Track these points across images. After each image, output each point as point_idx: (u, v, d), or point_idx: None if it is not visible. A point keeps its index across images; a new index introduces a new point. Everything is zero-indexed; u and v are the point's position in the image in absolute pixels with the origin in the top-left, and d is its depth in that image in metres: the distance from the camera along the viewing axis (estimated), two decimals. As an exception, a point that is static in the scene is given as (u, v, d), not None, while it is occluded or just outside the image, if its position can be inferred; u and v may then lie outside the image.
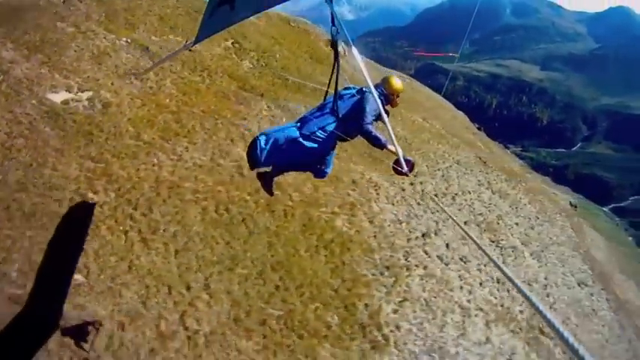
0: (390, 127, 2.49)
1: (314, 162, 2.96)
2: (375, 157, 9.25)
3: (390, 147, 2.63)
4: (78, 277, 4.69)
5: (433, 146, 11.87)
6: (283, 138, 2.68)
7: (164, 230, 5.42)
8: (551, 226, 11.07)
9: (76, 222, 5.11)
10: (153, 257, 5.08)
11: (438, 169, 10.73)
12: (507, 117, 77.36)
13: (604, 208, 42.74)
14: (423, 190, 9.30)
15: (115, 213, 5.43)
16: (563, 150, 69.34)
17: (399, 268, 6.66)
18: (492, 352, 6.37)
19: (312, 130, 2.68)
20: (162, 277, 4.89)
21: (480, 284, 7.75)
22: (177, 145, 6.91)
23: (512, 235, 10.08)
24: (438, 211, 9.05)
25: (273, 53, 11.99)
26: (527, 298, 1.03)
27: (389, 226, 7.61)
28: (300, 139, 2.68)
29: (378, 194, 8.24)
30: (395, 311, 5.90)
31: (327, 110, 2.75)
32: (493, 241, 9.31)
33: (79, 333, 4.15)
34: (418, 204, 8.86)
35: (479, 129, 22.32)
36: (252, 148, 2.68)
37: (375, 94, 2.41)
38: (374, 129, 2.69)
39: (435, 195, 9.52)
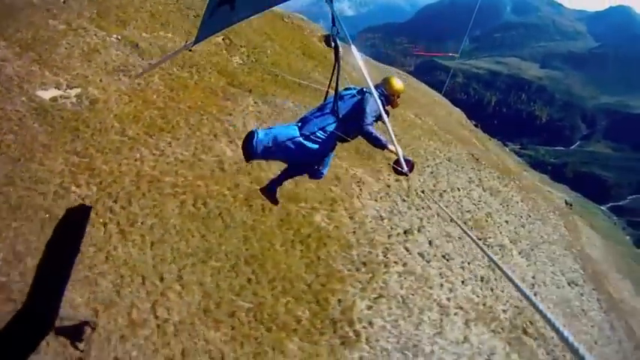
0: (390, 128, 2.49)
1: (313, 162, 2.96)
2: (360, 153, 9.24)
3: (391, 147, 2.65)
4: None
5: (424, 143, 11.74)
6: (283, 136, 2.68)
7: (142, 223, 5.60)
8: (543, 224, 10.88)
9: (74, 222, 5.27)
10: (129, 248, 5.27)
11: (428, 166, 10.63)
12: (506, 114, 77.44)
13: (602, 207, 43.01)
14: (409, 187, 9.25)
15: (96, 206, 5.63)
16: (562, 148, 69.45)
17: (376, 264, 6.69)
18: (470, 351, 6.32)
19: (313, 131, 2.69)
20: (137, 267, 5.08)
21: (462, 282, 7.71)
22: (160, 141, 7.07)
23: (500, 233, 9.96)
24: (423, 207, 9.02)
25: (264, 49, 12.01)
26: (527, 297, 1.02)
27: (370, 222, 7.63)
28: (300, 139, 2.68)
29: (361, 190, 8.25)
30: (369, 307, 5.94)
31: (328, 110, 2.76)
32: (480, 239, 9.22)
33: (75, 333, 4.26)
34: (403, 200, 8.84)
35: (476, 126, 21.92)
36: (248, 140, 2.67)
37: (376, 94, 2.41)
38: (374, 130, 2.71)
39: (422, 192, 9.46)
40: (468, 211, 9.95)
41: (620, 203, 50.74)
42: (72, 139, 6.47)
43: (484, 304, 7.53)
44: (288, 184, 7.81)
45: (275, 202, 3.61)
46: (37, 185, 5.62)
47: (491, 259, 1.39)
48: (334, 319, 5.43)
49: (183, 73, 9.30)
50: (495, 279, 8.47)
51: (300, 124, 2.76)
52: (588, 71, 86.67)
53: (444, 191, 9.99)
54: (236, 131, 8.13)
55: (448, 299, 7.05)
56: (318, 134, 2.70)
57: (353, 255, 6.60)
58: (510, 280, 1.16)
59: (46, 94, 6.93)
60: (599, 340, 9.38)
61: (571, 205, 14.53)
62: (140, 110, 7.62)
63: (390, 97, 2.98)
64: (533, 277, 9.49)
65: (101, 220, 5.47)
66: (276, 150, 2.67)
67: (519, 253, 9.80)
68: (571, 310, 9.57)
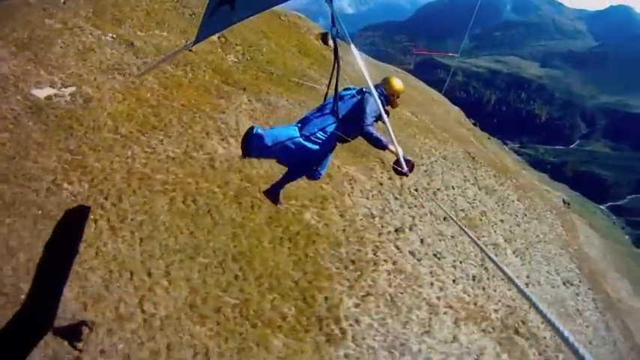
0: (390, 128, 2.49)
1: (312, 163, 2.96)
2: (353, 151, 9.24)
3: (392, 147, 2.65)
4: (49, 261, 5.04)
5: (419, 141, 11.68)
6: (283, 136, 2.69)
7: (132, 219, 5.69)
8: (539, 223, 10.78)
9: (65, 219, 5.34)
10: (119, 244, 5.36)
11: (422, 164, 10.59)
12: (506, 113, 78.00)
13: (601, 206, 43.39)
14: (402, 185, 9.23)
15: (87, 202, 5.74)
16: (562, 147, 69.94)
17: (365, 262, 6.72)
18: (459, 351, 6.29)
19: (313, 131, 2.70)
20: (126, 263, 5.18)
21: (454, 281, 7.71)
22: (152, 138, 7.15)
23: (495, 231, 9.91)
24: (416, 206, 9.01)
25: (259, 47, 12.02)
26: (526, 297, 1.02)
27: (360, 220, 7.65)
28: (300, 140, 2.69)
29: (352, 188, 8.27)
30: (356, 305, 5.97)
31: (327, 111, 2.77)
32: (474, 238, 9.18)
33: (73, 333, 4.32)
34: (396, 199, 8.83)
35: (474, 124, 21.72)
36: (247, 136, 2.69)
37: (375, 94, 2.40)
38: (375, 130, 2.71)
39: (416, 190, 9.44)
40: (462, 210, 9.91)
41: (619, 203, 51.00)
42: (65, 137, 6.58)
43: (475, 304, 7.51)
44: (279, 181, 7.78)
45: (278, 203, 3.67)
46: (31, 182, 5.74)
47: (489, 258, 1.39)
48: (320, 316, 5.48)
49: (178, 72, 9.36)
50: (488, 278, 8.45)
51: (300, 125, 2.77)
52: (588, 70, 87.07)
53: (438, 189, 9.95)
54: (228, 129, 8.19)
55: (438, 298, 7.04)
56: (318, 135, 2.70)
57: (342, 253, 6.63)
58: (510, 278, 1.17)
59: (41, 93, 7.05)
60: (594, 341, 9.32)
61: (569, 204, 14.36)
62: (133, 108, 7.71)
63: (389, 97, 2.97)
64: (528, 277, 9.44)
65: (92, 217, 5.58)
66: (275, 149, 2.67)
67: (513, 252, 9.75)
68: (565, 309, 9.51)
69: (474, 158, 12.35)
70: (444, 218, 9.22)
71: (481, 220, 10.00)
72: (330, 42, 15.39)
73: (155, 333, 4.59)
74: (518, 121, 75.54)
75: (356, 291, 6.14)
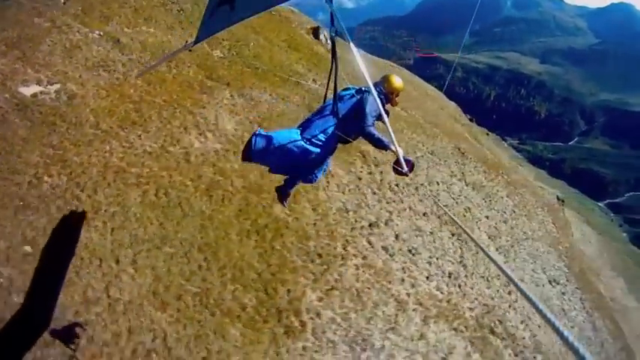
0: (389, 127, 2.49)
1: (314, 165, 2.94)
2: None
3: (392, 147, 2.66)
4: (27, 247, 5.42)
5: (406, 136, 11.51)
6: (285, 140, 2.70)
7: (105, 210, 6.00)
8: (528, 220, 10.49)
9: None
10: (91, 233, 5.69)
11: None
12: (505, 109, 78.20)
13: (599, 203, 42.52)
14: (381, 180, 9.19)
15: (65, 194, 6.07)
16: (560, 144, 69.93)
17: (333, 256, 6.81)
18: (425, 348, 6.27)
19: (314, 134, 2.71)
20: (97, 251, 5.49)
21: (427, 278, 7.68)
22: (131, 134, 7.42)
23: (479, 228, 9.75)
24: (394, 201, 8.97)
25: (247, 42, 12.05)
26: (526, 296, 1.03)
27: (334, 214, 7.71)
28: (302, 142, 2.70)
29: (328, 182, 8.31)
30: (320, 299, 6.08)
31: (328, 112, 2.77)
32: (454, 234, 9.09)
33: (67, 334, 4.51)
34: (374, 193, 8.82)
35: (471, 120, 21.07)
36: (249, 141, 2.71)
37: (375, 94, 2.37)
38: (376, 130, 2.71)
39: (397, 185, 9.38)
40: (446, 206, 9.77)
41: (617, 200, 50.70)
42: (49, 132, 6.93)
43: (448, 301, 7.47)
44: (253, 176, 7.97)
45: (284, 202, 3.68)
46: (14, 176, 6.12)
47: (487, 255, 1.40)
48: (280, 308, 5.64)
49: (162, 67, 9.56)
50: (465, 276, 8.38)
51: (301, 128, 2.78)
52: (588, 68, 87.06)
53: (421, 185, 9.84)
54: (206, 124, 8.36)
55: (408, 295, 7.04)
56: (320, 137, 2.70)
57: (309, 246, 6.74)
58: (509, 278, 1.17)
59: (28, 91, 7.41)
60: (580, 341, 9.12)
61: (563, 201, 13.85)
62: (116, 104, 7.99)
63: (389, 96, 2.94)
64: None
65: (68, 208, 5.91)
66: (276, 153, 2.68)
67: (497, 249, 9.58)
68: (550, 309, 9.31)
69: (463, 154, 12.07)
70: (424, 214, 9.15)
71: (465, 216, 9.85)
72: (322, 37, 15.21)
73: (118, 317, 4.90)
74: (517, 117, 75.90)
75: (320, 285, 6.25)
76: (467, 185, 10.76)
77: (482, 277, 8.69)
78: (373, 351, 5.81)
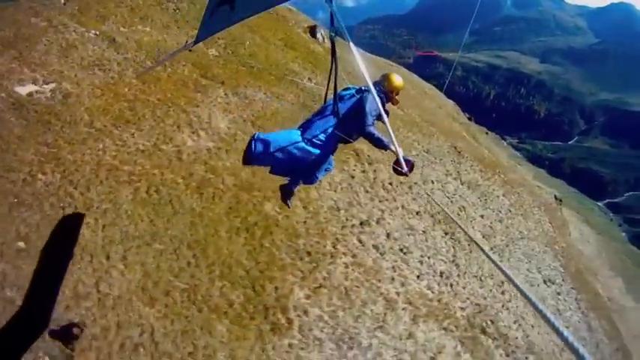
0: (389, 127, 2.51)
1: (315, 166, 2.93)
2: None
3: (392, 147, 2.68)
4: (20, 243, 5.56)
5: (401, 135, 11.47)
6: (285, 141, 2.70)
7: (97, 207, 6.10)
8: (524, 219, 10.41)
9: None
10: (83, 230, 5.80)
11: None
12: (505, 108, 78.42)
13: (598, 203, 42.32)
14: (374, 179, 9.19)
15: (58, 192, 6.19)
16: (560, 143, 70.06)
17: (322, 254, 6.84)
18: (413, 348, 6.25)
19: (315, 134, 2.72)
20: (88, 247, 5.60)
21: (418, 277, 7.68)
22: (124, 132, 7.51)
23: (473, 227, 9.71)
24: (387, 199, 8.97)
25: (243, 41, 12.08)
26: (526, 296, 1.04)
27: (325, 212, 7.74)
28: (303, 144, 2.71)
29: (320, 180, 8.33)
30: (307, 297, 6.11)
31: (328, 113, 2.78)
32: (447, 233, 9.07)
33: (66, 334, 4.60)
34: (366, 192, 8.83)
35: (469, 119, 20.90)
36: (249, 144, 2.71)
37: (375, 94, 2.37)
38: (376, 130, 2.72)
39: (390, 184, 9.37)
40: (441, 204, 9.74)
41: (616, 200, 50.76)
42: (44, 131, 7.06)
43: (439, 301, 7.45)
44: (244, 174, 8.03)
45: (288, 201, 3.71)
46: (9, 173, 6.25)
47: (487, 255, 1.41)
48: (267, 305, 5.70)
49: (157, 66, 9.64)
50: (458, 275, 8.36)
51: (301, 129, 2.79)
52: (588, 67, 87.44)
53: (415, 183, 9.81)
54: (199, 122, 8.43)
55: (397, 293, 7.04)
56: (321, 137, 2.72)
57: (299, 244, 6.79)
58: (508, 277, 1.19)
59: (24, 90, 7.54)
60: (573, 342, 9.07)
61: (561, 200, 13.71)
62: (110, 103, 8.09)
63: (389, 94, 2.95)
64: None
65: (61, 205, 6.03)
66: (276, 155, 2.68)
67: (492, 249, 9.54)
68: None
69: (459, 152, 11.99)
70: (417, 213, 9.14)
71: (459, 215, 9.81)
72: (319, 36, 15.17)
73: (107, 312, 5.00)
74: (516, 116, 76.21)
75: (308, 282, 6.30)
76: (462, 184, 10.71)
77: (475, 276, 8.67)
78: (360, 349, 5.83)
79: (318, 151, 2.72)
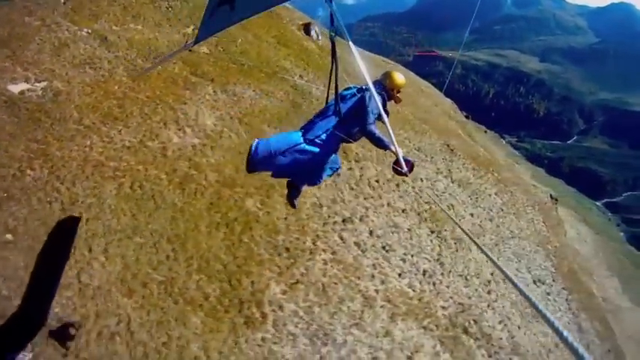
0: (389, 127, 2.51)
1: (317, 167, 2.94)
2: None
3: (392, 147, 2.69)
4: (8, 236, 5.81)
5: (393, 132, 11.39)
6: (286, 143, 2.71)
7: (82, 202, 6.31)
8: (516, 218, 10.25)
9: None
10: (68, 223, 6.02)
11: (390, 155, 10.37)
12: (504, 107, 78.13)
13: (597, 203, 41.56)
14: (360, 177, 9.19)
15: (45, 187, 6.43)
16: (559, 142, 69.68)
17: (301, 250, 6.93)
18: (390, 346, 6.26)
19: (317, 134, 2.72)
20: (71, 239, 5.82)
21: (399, 275, 7.69)
22: (112, 129, 7.70)
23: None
24: (372, 197, 8.97)
25: (235, 38, 12.12)
26: (526, 296, 1.03)
27: (307, 209, 7.81)
28: (305, 145, 2.72)
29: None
30: (283, 292, 6.21)
31: (330, 113, 2.80)
32: (433, 232, 9.04)
33: (62, 333, 4.76)
34: (351, 189, 8.85)
35: (467, 117, 20.50)
36: (250, 150, 2.74)
37: (375, 93, 2.35)
38: (377, 130, 2.73)
39: (377, 181, 9.36)
40: (427, 202, 9.69)
41: (615, 199, 50.41)
42: (34, 128, 7.29)
43: (420, 299, 7.45)
44: (227, 170, 8.14)
45: (294, 200, 3.67)
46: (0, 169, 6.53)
47: (488, 256, 1.38)
48: (242, 299, 5.82)
49: (148, 64, 9.79)
50: (442, 274, 8.34)
51: (303, 130, 2.80)
52: (588, 67, 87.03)
53: (403, 181, 9.77)
54: (186, 119, 8.56)
55: (376, 291, 7.06)
56: (323, 137, 2.72)
57: (278, 240, 6.89)
58: (507, 277, 1.19)
59: (16, 88, 7.78)
60: (561, 343, 8.95)
61: (556, 199, 13.38)
62: (100, 101, 8.29)
63: (390, 92, 2.95)
64: (491, 274, 9.15)
65: (48, 199, 6.26)
66: (278, 158, 2.68)
67: (478, 248, 9.44)
68: (531, 310, 9.16)
69: (452, 150, 11.84)
70: (403, 210, 9.12)
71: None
72: (313, 33, 15.08)
73: (87, 301, 5.22)
74: (516, 115, 75.92)
75: (285, 278, 6.39)
76: (453, 182, 10.61)
77: (461, 275, 8.63)
78: (334, 346, 5.88)
79: (319, 152, 2.72)
